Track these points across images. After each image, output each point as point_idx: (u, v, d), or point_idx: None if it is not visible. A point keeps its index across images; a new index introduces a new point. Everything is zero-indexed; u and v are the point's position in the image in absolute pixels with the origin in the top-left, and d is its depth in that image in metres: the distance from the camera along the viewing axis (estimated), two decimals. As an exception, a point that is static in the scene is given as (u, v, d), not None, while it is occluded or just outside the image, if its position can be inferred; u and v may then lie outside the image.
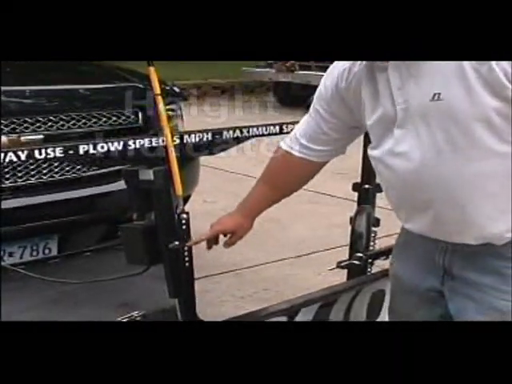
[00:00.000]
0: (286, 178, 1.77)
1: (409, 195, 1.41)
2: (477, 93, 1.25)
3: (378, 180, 1.49)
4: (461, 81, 1.26)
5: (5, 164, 1.78)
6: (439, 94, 1.28)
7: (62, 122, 2.56)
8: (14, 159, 1.66)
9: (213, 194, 4.74)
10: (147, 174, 1.85)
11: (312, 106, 1.64)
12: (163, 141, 1.85)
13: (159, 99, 1.81)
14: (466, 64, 1.26)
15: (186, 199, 2.29)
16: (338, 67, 1.52)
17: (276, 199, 1.85)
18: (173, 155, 1.81)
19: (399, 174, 1.40)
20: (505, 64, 1.23)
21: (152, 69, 1.80)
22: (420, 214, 1.42)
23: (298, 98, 10.27)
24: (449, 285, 1.45)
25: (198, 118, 6.44)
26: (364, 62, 1.43)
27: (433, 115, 1.31)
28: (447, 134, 1.30)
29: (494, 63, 1.23)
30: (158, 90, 1.81)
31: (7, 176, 2.48)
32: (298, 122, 2.33)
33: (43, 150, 1.69)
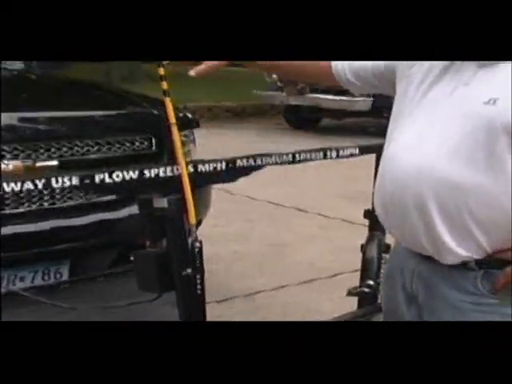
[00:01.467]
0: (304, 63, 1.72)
1: (399, 191, 1.39)
2: None
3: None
4: None
5: (20, 191, 1.79)
6: (497, 98, 1.29)
7: (76, 148, 2.58)
8: (32, 187, 1.68)
9: (224, 218, 4.76)
10: (161, 202, 1.87)
11: None
12: (178, 170, 1.87)
13: (174, 128, 1.83)
14: None
15: (197, 224, 2.30)
16: None
17: (270, 63, 1.75)
18: (187, 184, 1.83)
19: (398, 167, 1.39)
20: None
21: (168, 99, 1.82)
22: (400, 214, 1.42)
23: (308, 120, 10.35)
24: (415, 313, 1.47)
25: (210, 141, 6.49)
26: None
27: (470, 115, 1.32)
28: (473, 137, 1.31)
29: None
30: (173, 120, 1.83)
31: (21, 202, 2.50)
32: (310, 151, 2.37)
33: (60, 179, 1.71)
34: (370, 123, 9.26)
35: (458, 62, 1.41)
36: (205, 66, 1.62)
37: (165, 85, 1.78)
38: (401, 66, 1.54)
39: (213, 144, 7.41)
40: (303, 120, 10.22)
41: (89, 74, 14.84)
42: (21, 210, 2.52)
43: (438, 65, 1.44)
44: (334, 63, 1.68)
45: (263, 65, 1.76)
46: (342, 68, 1.67)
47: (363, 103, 8.72)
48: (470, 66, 1.38)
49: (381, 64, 1.61)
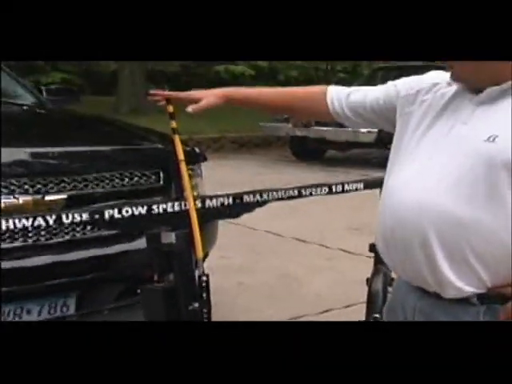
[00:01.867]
0: (298, 102, 1.80)
1: (400, 226, 1.42)
2: None
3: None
4: None
5: (29, 225, 1.82)
6: (497, 136, 1.32)
7: (85, 183, 2.61)
8: (43, 223, 1.71)
9: (230, 250, 4.77)
10: (169, 237, 1.89)
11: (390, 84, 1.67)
12: (185, 205, 1.90)
13: (183, 165, 1.86)
14: None
15: (204, 257, 2.32)
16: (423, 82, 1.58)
17: (264, 105, 1.86)
18: (195, 219, 1.86)
19: (399, 202, 1.42)
20: None
21: (177, 136, 1.86)
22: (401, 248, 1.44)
23: (314, 152, 10.40)
24: None
25: (216, 172, 6.52)
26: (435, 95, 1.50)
27: (470, 154, 1.35)
28: (473, 173, 1.33)
29: None
30: (181, 156, 1.87)
31: (30, 235, 2.52)
32: (315, 186, 2.40)
33: (70, 215, 1.74)
34: (375, 155, 9.31)
35: (456, 101, 1.45)
36: (203, 103, 1.71)
37: (174, 123, 1.83)
38: (401, 102, 1.58)
39: (219, 176, 7.46)
40: (309, 151, 10.28)
41: (98, 105, 15.03)
42: (29, 243, 2.54)
43: (437, 103, 1.48)
44: (329, 100, 1.71)
45: (257, 104, 1.82)
46: (339, 104, 1.70)
47: (368, 135, 8.77)
48: (467, 105, 1.42)
49: (380, 100, 1.64)
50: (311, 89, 1.80)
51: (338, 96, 1.71)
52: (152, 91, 1.83)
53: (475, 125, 1.37)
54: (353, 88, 1.74)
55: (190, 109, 1.75)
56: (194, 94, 1.80)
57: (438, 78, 1.54)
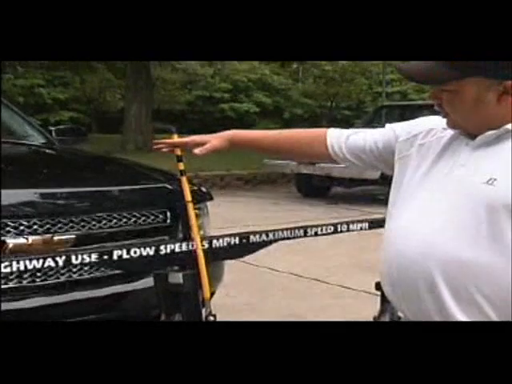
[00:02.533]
0: (299, 146, 1.82)
1: (406, 269, 1.43)
2: None
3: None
4: None
5: (39, 266, 1.84)
6: (495, 179, 1.35)
7: (93, 222, 2.65)
8: (52, 264, 1.73)
9: (236, 288, 4.77)
10: (176, 278, 1.92)
11: (388, 127, 1.71)
12: (193, 246, 1.93)
13: (190, 206, 1.90)
14: None
15: (210, 295, 2.34)
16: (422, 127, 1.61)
17: (267, 149, 1.90)
18: (202, 260, 1.89)
19: (403, 245, 1.44)
20: None
21: (184, 178, 1.90)
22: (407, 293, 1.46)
23: (319, 189, 10.45)
24: None
25: (222, 210, 6.54)
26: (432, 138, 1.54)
27: (470, 196, 1.37)
28: (474, 216, 1.36)
29: None
30: (189, 198, 1.90)
31: (38, 275, 2.54)
32: (320, 225, 2.43)
33: (79, 256, 1.77)
34: (379, 191, 9.33)
35: (453, 145, 1.48)
36: (208, 146, 1.76)
37: (181, 165, 1.87)
38: (399, 146, 1.61)
39: (225, 213, 7.49)
40: (314, 188, 10.32)
41: (105, 143, 15.14)
42: (38, 283, 2.56)
43: (435, 147, 1.52)
44: (329, 143, 1.75)
45: (260, 148, 1.86)
46: (339, 147, 1.73)
47: (372, 172, 8.81)
48: (464, 149, 1.45)
49: (379, 143, 1.68)
50: (311, 132, 1.84)
51: (338, 139, 1.75)
52: (157, 141, 1.88)
53: (473, 168, 1.41)
54: (352, 130, 1.78)
55: (196, 151, 1.80)
56: (199, 138, 1.84)
57: (434, 123, 1.58)
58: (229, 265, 3.49)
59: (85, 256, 1.77)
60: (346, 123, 25.52)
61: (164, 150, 1.90)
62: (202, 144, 1.80)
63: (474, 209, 1.36)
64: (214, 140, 1.81)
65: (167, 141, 1.89)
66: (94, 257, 1.79)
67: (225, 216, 7.22)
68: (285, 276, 5.35)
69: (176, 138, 1.86)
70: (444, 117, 1.49)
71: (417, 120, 1.66)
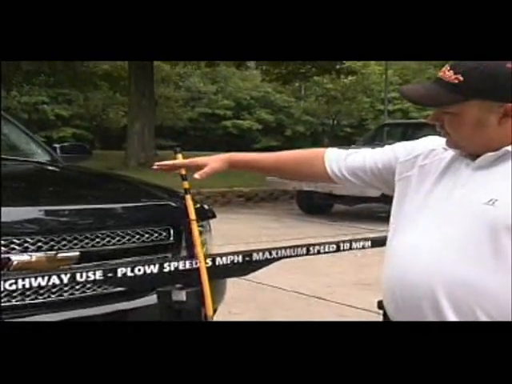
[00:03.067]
0: (298, 167, 1.84)
1: (409, 289, 1.45)
2: None
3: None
4: None
5: (44, 284, 1.85)
6: (496, 200, 1.37)
7: (97, 240, 2.66)
8: (57, 282, 1.75)
9: (238, 305, 4.77)
10: (180, 295, 1.93)
11: (388, 148, 1.73)
12: (196, 263, 1.95)
13: (194, 224, 1.91)
14: None
15: (213, 312, 2.34)
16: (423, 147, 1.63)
17: (267, 170, 1.93)
18: (205, 278, 1.90)
19: (406, 266, 1.46)
20: None
21: (188, 196, 1.92)
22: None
23: (321, 206, 10.47)
24: None
25: (224, 227, 6.54)
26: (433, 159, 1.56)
27: (471, 217, 1.39)
28: (476, 236, 1.38)
29: None
30: (193, 216, 1.92)
31: (41, 292, 2.55)
32: (323, 244, 2.44)
33: (84, 274, 1.79)
34: (381, 209, 9.34)
35: (454, 166, 1.50)
36: (208, 169, 1.80)
37: (186, 184, 1.89)
38: (399, 167, 1.63)
39: (227, 230, 7.50)
40: (316, 206, 10.34)
41: (108, 160, 15.16)
42: (40, 300, 2.57)
43: (436, 168, 1.54)
44: (328, 164, 1.76)
45: (261, 169, 1.88)
46: (338, 167, 1.75)
47: (374, 190, 8.83)
48: (465, 169, 1.48)
49: (379, 164, 1.69)
50: (310, 152, 1.85)
51: (337, 159, 1.76)
52: (158, 163, 1.90)
53: (474, 188, 1.43)
54: (351, 150, 1.79)
55: (197, 176, 1.82)
56: (200, 160, 1.86)
57: (434, 144, 1.60)
58: (231, 282, 3.50)
59: (89, 273, 1.79)
60: (348, 141, 25.59)
61: (165, 170, 1.91)
62: (201, 167, 1.83)
63: (476, 229, 1.38)
64: (214, 163, 1.83)
65: (168, 162, 1.91)
66: (98, 274, 1.80)
67: (226, 233, 7.23)
68: (287, 293, 5.35)
69: (180, 157, 1.89)
70: (444, 137, 1.51)
71: (417, 141, 1.68)
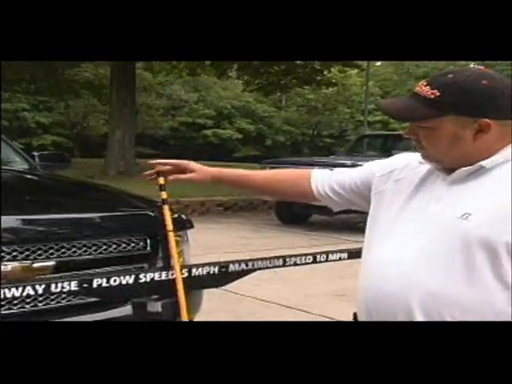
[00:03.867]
0: (284, 186, 1.86)
1: (383, 301, 1.47)
2: (501, 223, 1.35)
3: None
4: (494, 212, 1.37)
5: (18, 295, 1.85)
6: (470, 214, 1.39)
7: (74, 249, 2.65)
8: (32, 293, 1.74)
9: (214, 316, 4.76)
10: (155, 306, 1.94)
11: (366, 165, 1.75)
12: (172, 274, 1.95)
13: (171, 235, 1.92)
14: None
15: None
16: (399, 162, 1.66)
17: (253, 188, 1.92)
18: (181, 289, 1.90)
19: (380, 278, 1.48)
20: None
21: (166, 207, 1.92)
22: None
23: (299, 216, 10.49)
24: None
25: (202, 236, 6.52)
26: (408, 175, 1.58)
27: (445, 230, 1.41)
28: (449, 249, 1.40)
29: None
30: (170, 227, 1.92)
31: (15, 303, 2.52)
32: (300, 255, 2.46)
33: (59, 284, 1.78)
34: (360, 219, 9.39)
35: (430, 180, 1.53)
36: (185, 176, 1.83)
37: (164, 194, 1.89)
38: (376, 182, 1.66)
39: (205, 239, 7.49)
40: (294, 216, 10.37)
41: (87, 168, 15.06)
42: (14, 310, 2.55)
43: (411, 182, 1.56)
44: (314, 183, 1.79)
45: (247, 186, 1.90)
46: (322, 187, 1.78)
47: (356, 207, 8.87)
48: (440, 183, 1.50)
49: (357, 180, 1.72)
50: (297, 172, 1.88)
51: (321, 179, 1.79)
52: (147, 172, 1.90)
53: (449, 203, 1.45)
54: (335, 170, 1.83)
55: (171, 177, 1.86)
56: (192, 164, 1.87)
57: (410, 159, 1.63)
58: (208, 292, 3.50)
59: (64, 284, 1.79)
60: (328, 151, 25.70)
61: (149, 177, 1.92)
62: (184, 171, 1.84)
63: (450, 243, 1.40)
64: (197, 175, 1.85)
65: (159, 161, 1.90)
66: (73, 285, 1.80)
67: (205, 242, 7.22)
68: (264, 304, 5.35)
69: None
70: (420, 151, 1.53)
71: (393, 157, 1.71)
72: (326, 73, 18.80)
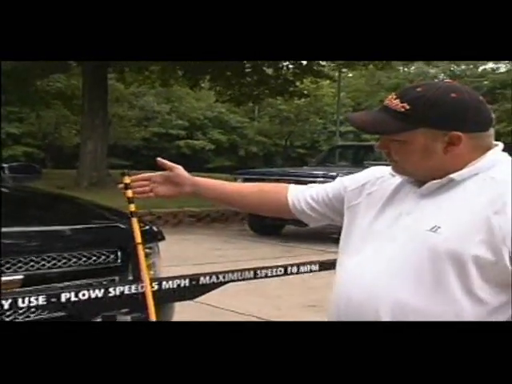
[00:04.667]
0: (257, 198, 1.85)
1: (354, 312, 1.48)
2: (470, 236, 1.36)
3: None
4: (465, 224, 1.38)
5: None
6: (439, 227, 1.40)
7: (43, 262, 2.62)
8: (-2, 308, 1.72)
9: (187, 328, 4.73)
10: (125, 320, 1.92)
11: (338, 179, 1.76)
12: (142, 287, 1.93)
13: (140, 248, 1.91)
14: (482, 212, 1.37)
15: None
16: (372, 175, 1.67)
17: (228, 201, 1.90)
18: (151, 302, 1.89)
19: (351, 288, 1.49)
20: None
21: (134, 219, 1.91)
22: None
23: (272, 227, 10.50)
24: None
25: (175, 248, 6.49)
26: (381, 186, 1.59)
27: (415, 243, 1.42)
28: (418, 262, 1.40)
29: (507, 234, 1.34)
30: (139, 239, 1.91)
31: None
32: (271, 267, 2.46)
33: (26, 299, 1.76)
34: (333, 229, 9.39)
35: (401, 192, 1.54)
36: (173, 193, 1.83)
37: (132, 207, 1.88)
38: (348, 195, 1.67)
39: (177, 251, 7.46)
40: (267, 226, 10.38)
41: (59, 179, 14.90)
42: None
43: (383, 194, 1.58)
44: (290, 198, 1.80)
45: (223, 199, 1.89)
46: (298, 201, 1.79)
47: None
48: (411, 196, 1.51)
49: (330, 194, 1.74)
50: (273, 187, 1.88)
51: (297, 193, 1.80)
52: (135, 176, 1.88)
53: (419, 215, 1.46)
54: (311, 185, 1.84)
55: (145, 195, 1.86)
56: (175, 178, 1.85)
57: (382, 172, 1.65)
58: (180, 305, 3.48)
59: (32, 299, 1.76)
60: (301, 161, 25.81)
61: (120, 188, 1.90)
62: (172, 180, 1.84)
63: (419, 255, 1.41)
64: (184, 188, 1.85)
65: (146, 175, 1.88)
66: (41, 299, 1.78)
67: (177, 254, 7.19)
68: (237, 316, 5.34)
69: (127, 181, 1.87)
70: (391, 163, 1.54)
71: (365, 170, 1.73)
72: (298, 84, 18.89)
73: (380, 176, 1.64)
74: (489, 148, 1.47)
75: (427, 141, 1.44)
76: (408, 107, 1.43)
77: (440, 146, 1.44)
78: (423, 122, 1.43)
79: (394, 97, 1.47)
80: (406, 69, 35.18)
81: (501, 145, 1.50)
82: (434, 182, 1.47)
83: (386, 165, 1.65)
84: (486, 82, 31.81)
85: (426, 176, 1.48)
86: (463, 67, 37.29)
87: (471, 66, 36.99)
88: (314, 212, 1.77)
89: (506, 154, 1.49)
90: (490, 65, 37.58)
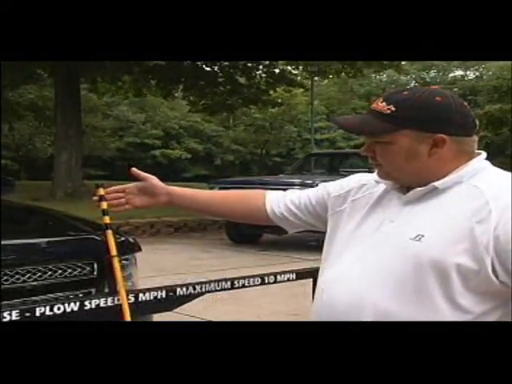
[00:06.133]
0: (234, 205, 1.84)
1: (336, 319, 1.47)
2: (453, 245, 1.36)
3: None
4: (449, 233, 1.38)
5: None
6: (422, 235, 1.40)
7: (17, 276, 2.58)
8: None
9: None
10: (102, 333, 1.89)
11: (321, 185, 1.75)
12: (119, 300, 1.91)
13: (115, 261, 1.88)
14: (465, 221, 1.37)
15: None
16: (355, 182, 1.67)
17: (204, 209, 1.88)
18: (127, 315, 1.86)
19: (334, 295, 1.49)
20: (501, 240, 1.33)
21: (109, 232, 1.89)
22: None
23: (250, 236, 10.50)
24: None
25: (152, 258, 6.45)
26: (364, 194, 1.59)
27: (398, 251, 1.42)
28: (401, 270, 1.40)
29: (492, 236, 1.34)
30: (114, 252, 1.88)
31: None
32: (248, 277, 2.44)
33: None
34: (311, 237, 9.45)
35: (385, 199, 1.55)
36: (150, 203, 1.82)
37: (107, 219, 1.86)
38: (332, 202, 1.67)
39: (155, 261, 7.42)
40: (245, 235, 10.37)
41: (34, 191, 14.74)
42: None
43: (367, 201, 1.58)
44: (268, 203, 1.79)
45: (196, 203, 1.87)
46: (277, 207, 1.78)
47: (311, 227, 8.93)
48: (396, 203, 1.51)
49: (312, 200, 1.73)
50: (250, 194, 1.87)
51: (277, 200, 1.79)
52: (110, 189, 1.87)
53: (402, 223, 1.46)
54: (290, 191, 1.82)
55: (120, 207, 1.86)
56: (153, 188, 1.84)
57: (366, 179, 1.65)
58: (157, 315, 3.45)
59: (5, 314, 1.73)
60: (277, 170, 25.88)
61: (95, 200, 1.88)
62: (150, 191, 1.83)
63: (401, 264, 1.41)
64: (160, 197, 1.84)
65: (121, 187, 1.86)
66: (14, 314, 1.74)
67: (154, 264, 7.15)
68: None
69: (101, 192, 1.86)
70: (376, 168, 1.54)
71: (349, 177, 1.72)
72: (271, 92, 18.96)
73: (365, 183, 1.64)
74: (472, 154, 1.48)
75: (412, 142, 1.44)
76: (394, 109, 1.44)
77: (425, 148, 1.44)
78: (408, 122, 1.43)
79: (381, 100, 1.48)
80: (377, 76, 35.50)
81: (484, 153, 1.51)
82: (418, 189, 1.47)
83: (364, 171, 1.65)
84: (455, 89, 32.25)
85: (410, 181, 1.49)
86: (433, 74, 37.75)
87: (441, 74, 37.47)
88: (295, 218, 1.76)
89: (488, 163, 1.50)
90: (460, 72, 38.13)
